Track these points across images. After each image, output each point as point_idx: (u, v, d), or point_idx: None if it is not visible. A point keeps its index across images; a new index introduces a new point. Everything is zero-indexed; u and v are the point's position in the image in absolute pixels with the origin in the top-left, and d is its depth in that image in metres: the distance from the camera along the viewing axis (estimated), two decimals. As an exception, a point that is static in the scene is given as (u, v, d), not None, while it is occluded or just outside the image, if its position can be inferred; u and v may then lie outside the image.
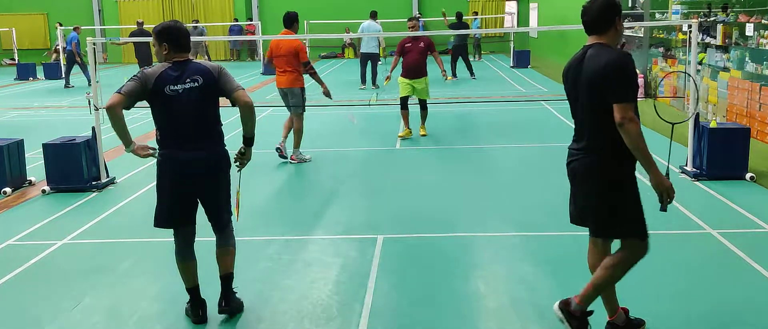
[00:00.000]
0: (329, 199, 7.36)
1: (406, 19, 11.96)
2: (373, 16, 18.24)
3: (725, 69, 10.79)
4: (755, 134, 9.40)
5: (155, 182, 4.44)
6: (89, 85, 20.14)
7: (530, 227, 6.10)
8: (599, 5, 3.71)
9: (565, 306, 3.98)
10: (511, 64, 22.97)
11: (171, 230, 4.44)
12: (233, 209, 4.54)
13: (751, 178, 7.46)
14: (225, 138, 4.41)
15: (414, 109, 10.57)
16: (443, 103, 13.43)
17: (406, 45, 10.35)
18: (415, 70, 10.25)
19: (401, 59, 10.43)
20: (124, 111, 4.20)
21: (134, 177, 8.43)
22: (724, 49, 11.11)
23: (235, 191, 4.49)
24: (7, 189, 7.75)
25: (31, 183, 8.16)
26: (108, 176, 8.11)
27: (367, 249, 5.70)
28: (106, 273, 5.42)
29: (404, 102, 10.31)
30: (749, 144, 7.64)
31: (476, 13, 27.07)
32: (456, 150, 9.96)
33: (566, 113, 12.49)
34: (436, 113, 12.85)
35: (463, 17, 20.73)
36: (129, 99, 4.21)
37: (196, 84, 4.24)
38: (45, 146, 7.86)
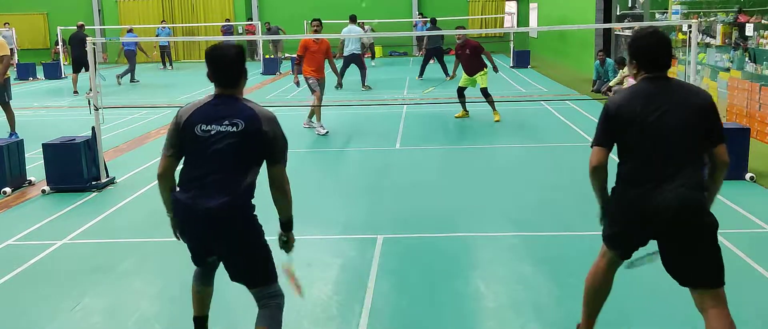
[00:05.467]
0: (329, 199, 7.36)
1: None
2: (353, 20, 18.49)
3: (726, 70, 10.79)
4: (755, 134, 9.40)
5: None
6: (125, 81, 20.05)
7: (530, 227, 6.10)
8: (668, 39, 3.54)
9: None
10: (511, 65, 22.95)
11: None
12: (290, 284, 3.85)
13: (751, 178, 7.46)
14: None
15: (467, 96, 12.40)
16: (443, 103, 13.43)
17: (458, 53, 12.30)
18: (469, 70, 12.03)
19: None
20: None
21: (134, 177, 8.43)
22: (725, 49, 11.10)
23: (287, 268, 3.82)
24: (7, 189, 7.75)
25: (31, 183, 8.15)
26: (108, 176, 8.11)
27: (367, 249, 5.70)
28: (105, 273, 5.42)
29: (460, 91, 12.14)
30: (749, 144, 7.63)
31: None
32: (456, 150, 9.96)
33: (566, 113, 12.47)
34: (436, 113, 12.87)
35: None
36: (173, 151, 3.55)
37: (235, 129, 3.38)
38: (45, 146, 7.86)
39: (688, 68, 7.97)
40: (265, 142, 3.43)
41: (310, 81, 11.04)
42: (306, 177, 8.51)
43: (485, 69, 11.94)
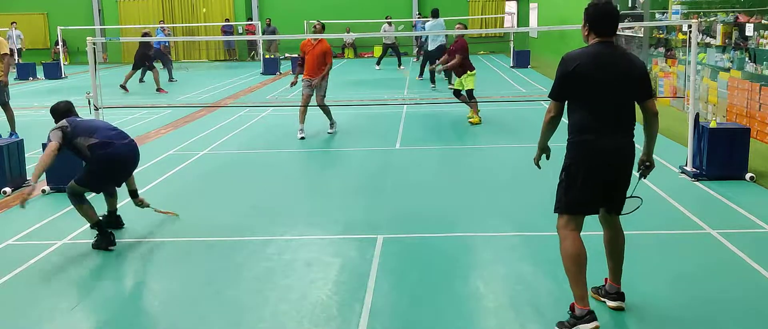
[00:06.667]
0: (329, 199, 7.36)
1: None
2: (435, 14, 17.92)
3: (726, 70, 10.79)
4: (755, 134, 9.40)
5: None
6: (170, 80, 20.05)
7: (530, 227, 6.10)
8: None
9: (617, 293, 4.40)
10: (511, 64, 22.97)
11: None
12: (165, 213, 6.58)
13: (751, 178, 7.46)
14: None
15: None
16: (443, 103, 13.43)
17: (452, 49, 12.18)
18: (457, 71, 12.01)
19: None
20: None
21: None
22: (725, 49, 11.10)
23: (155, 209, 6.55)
24: (7, 189, 7.75)
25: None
26: (108, 176, 8.09)
27: (366, 249, 5.70)
28: (105, 273, 5.42)
29: (456, 92, 12.14)
30: (749, 144, 7.63)
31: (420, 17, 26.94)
32: (456, 150, 9.96)
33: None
34: (436, 113, 12.87)
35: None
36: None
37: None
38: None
39: (688, 68, 7.97)
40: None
41: (303, 82, 10.99)
42: (306, 177, 8.52)
43: (472, 71, 11.86)
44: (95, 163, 5.91)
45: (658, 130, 4.23)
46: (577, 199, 4.11)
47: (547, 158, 4.43)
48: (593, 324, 3.95)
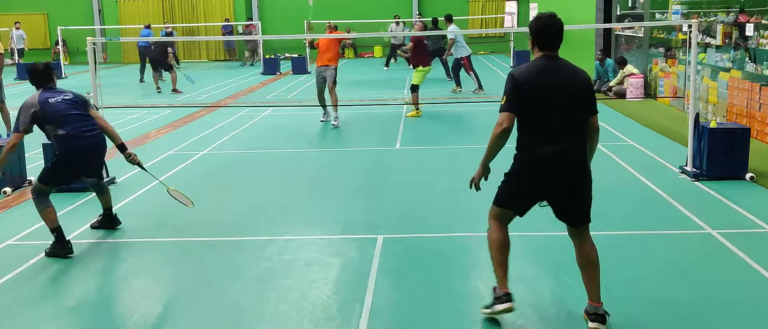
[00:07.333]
0: (329, 199, 7.36)
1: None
2: (450, 19, 16.95)
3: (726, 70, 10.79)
4: (755, 134, 9.40)
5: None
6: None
7: (530, 228, 6.07)
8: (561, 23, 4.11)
9: (595, 315, 4.18)
10: (512, 64, 22.96)
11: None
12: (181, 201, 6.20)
13: (751, 178, 7.45)
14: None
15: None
16: (443, 103, 13.43)
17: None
18: (412, 63, 13.13)
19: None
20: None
21: (134, 177, 8.41)
22: (725, 49, 11.10)
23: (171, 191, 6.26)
24: (7, 189, 7.75)
25: (31, 183, 8.14)
26: (108, 176, 8.09)
27: (367, 249, 5.70)
28: (105, 273, 5.43)
29: (412, 87, 12.81)
30: (749, 144, 7.63)
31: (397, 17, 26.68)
32: (456, 150, 9.95)
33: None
34: (436, 113, 12.86)
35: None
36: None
37: (70, 96, 6.00)
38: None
39: (688, 68, 7.97)
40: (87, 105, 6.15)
41: (316, 71, 12.02)
42: (306, 177, 8.51)
43: (424, 66, 12.57)
44: (61, 155, 5.84)
45: (597, 144, 4.23)
46: (511, 195, 4.26)
47: (486, 179, 4.38)
48: (507, 305, 4.19)
